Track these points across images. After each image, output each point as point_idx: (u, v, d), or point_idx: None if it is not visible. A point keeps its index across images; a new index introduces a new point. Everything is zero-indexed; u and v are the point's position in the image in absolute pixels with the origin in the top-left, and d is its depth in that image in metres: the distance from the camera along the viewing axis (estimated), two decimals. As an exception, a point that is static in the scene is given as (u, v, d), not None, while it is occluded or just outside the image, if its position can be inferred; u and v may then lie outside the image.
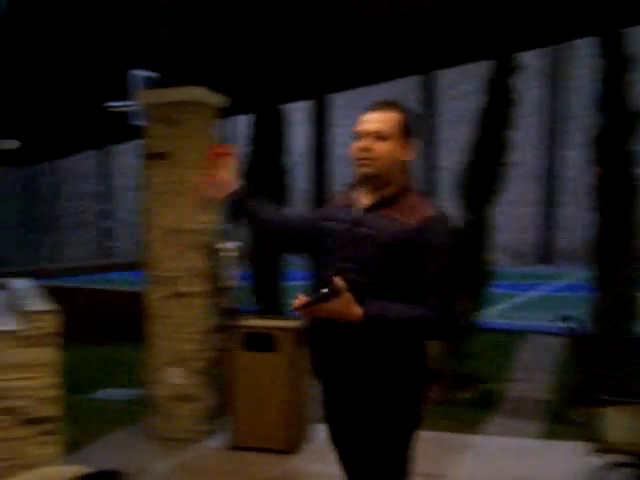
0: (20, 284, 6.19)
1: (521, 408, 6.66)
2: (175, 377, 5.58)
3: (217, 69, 6.06)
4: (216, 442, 5.55)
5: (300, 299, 2.42)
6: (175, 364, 5.58)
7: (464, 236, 6.87)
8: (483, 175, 6.82)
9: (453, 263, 2.53)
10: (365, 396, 2.57)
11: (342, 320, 2.44)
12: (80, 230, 22.81)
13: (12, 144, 17.15)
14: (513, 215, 23.89)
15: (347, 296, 2.39)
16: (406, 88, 23.78)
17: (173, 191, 5.53)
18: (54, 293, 5.68)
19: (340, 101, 14.42)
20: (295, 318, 5.27)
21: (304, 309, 2.42)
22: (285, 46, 6.89)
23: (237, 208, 2.85)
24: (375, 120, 2.58)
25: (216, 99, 5.70)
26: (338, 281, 2.38)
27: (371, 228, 2.53)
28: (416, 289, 2.48)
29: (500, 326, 10.93)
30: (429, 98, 23.26)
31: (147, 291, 5.72)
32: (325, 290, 2.38)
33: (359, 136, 2.60)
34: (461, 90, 24.79)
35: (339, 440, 2.79)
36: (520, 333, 10.57)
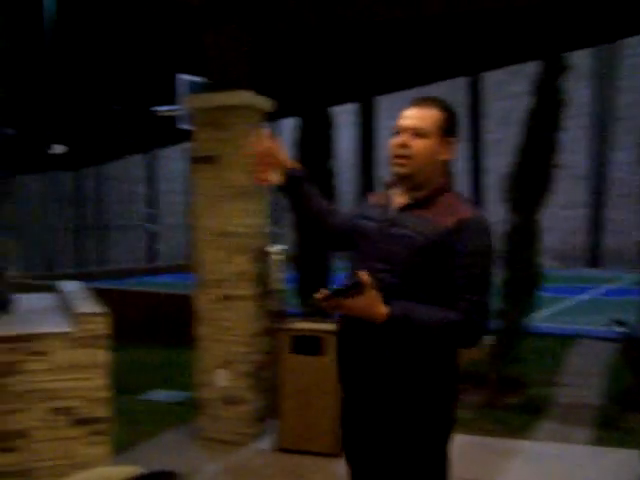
0: (70, 286, 6.29)
1: (570, 413, 6.56)
2: (222, 379, 5.61)
3: (263, 72, 6.09)
4: (263, 444, 5.57)
5: (323, 292, 2.33)
6: (223, 367, 5.61)
7: (511, 239, 6.79)
8: (531, 177, 6.72)
9: (488, 268, 2.44)
10: (394, 402, 2.47)
11: (366, 318, 2.36)
12: (128, 233, 23.11)
13: (59, 149, 17.45)
14: (561, 217, 23.61)
15: (373, 293, 2.32)
16: (452, 89, 23.65)
17: (220, 194, 5.57)
18: (103, 295, 5.77)
19: (385, 103, 14.39)
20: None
21: (326, 302, 2.33)
22: (332, 48, 6.89)
23: (289, 188, 2.75)
24: (414, 116, 2.50)
25: (263, 103, 5.72)
26: (363, 275, 2.31)
27: (405, 228, 2.46)
28: (447, 292, 2.39)
29: (548, 330, 10.79)
30: (476, 99, 23.05)
31: (195, 294, 5.76)
32: (348, 283, 2.33)
33: (397, 132, 2.52)
34: (509, 91, 24.57)
35: (360, 450, 2.64)
36: (569, 337, 10.41)
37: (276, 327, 5.50)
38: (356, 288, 2.31)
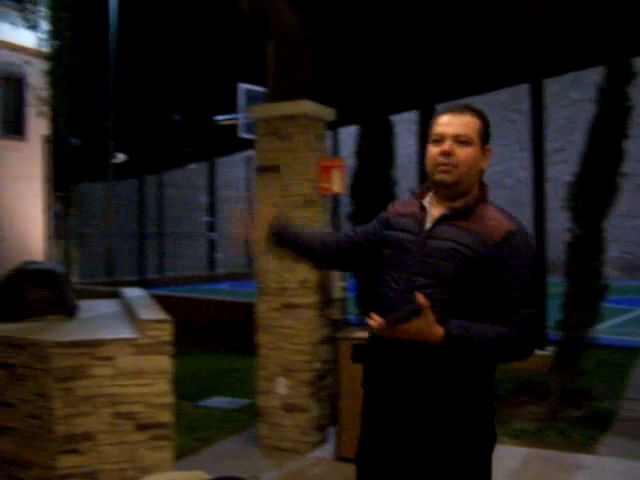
0: (133, 293, 6.40)
1: (636, 428, 6.39)
2: (283, 387, 5.63)
3: (324, 81, 6.11)
4: (323, 453, 5.57)
5: (375, 319, 2.26)
6: (284, 374, 5.63)
7: (575, 249, 6.66)
8: (596, 186, 6.58)
9: (535, 280, 2.39)
10: (436, 419, 2.38)
11: (421, 341, 2.28)
12: (188, 241, 23.39)
13: (120, 157, 17.81)
14: (625, 227, 23.08)
15: (429, 315, 2.24)
16: (511, 96, 23.41)
17: (283, 204, 5.60)
18: (164, 302, 5.85)
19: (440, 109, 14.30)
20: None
21: (385, 331, 2.26)
22: (394, 55, 6.88)
23: (278, 241, 2.76)
24: (457, 124, 2.42)
25: (325, 112, 5.75)
26: (420, 298, 2.23)
27: (450, 241, 2.36)
28: (495, 306, 2.34)
29: (613, 342, 10.54)
30: (540, 106, 22.76)
31: (257, 302, 5.80)
32: (407, 309, 2.24)
33: (438, 139, 2.43)
34: (569, 98, 24.18)
35: (389, 465, 2.51)
36: (634, 350, 10.16)
37: (337, 336, 5.50)
38: (416, 314, 2.24)
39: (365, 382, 2.61)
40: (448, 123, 2.42)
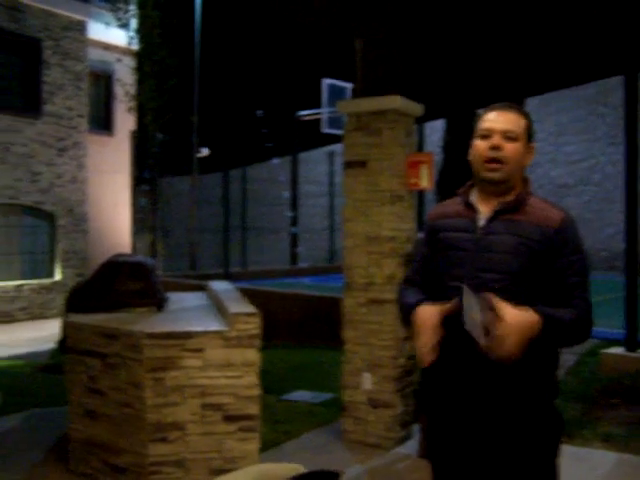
0: (220, 286, 6.49)
1: None
2: (368, 382, 5.62)
3: (412, 75, 6.06)
4: (407, 449, 5.55)
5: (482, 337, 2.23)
6: (369, 370, 5.63)
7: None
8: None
9: (588, 265, 2.47)
10: (507, 413, 2.41)
11: (524, 333, 2.22)
12: (271, 235, 23.61)
13: (204, 152, 18.10)
14: None
15: (511, 308, 2.23)
16: (599, 90, 22.78)
17: (371, 199, 5.59)
18: (249, 296, 5.91)
19: (529, 104, 14.01)
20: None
21: (492, 349, 2.21)
22: (482, 49, 6.77)
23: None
24: (504, 120, 2.48)
25: (413, 107, 5.71)
26: (488, 296, 2.23)
27: (512, 235, 2.41)
28: (555, 293, 2.39)
29: None
30: (634, 99, 22.03)
31: (344, 297, 5.80)
32: (481, 312, 2.21)
33: (486, 135, 2.48)
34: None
35: (461, 461, 2.54)
36: None
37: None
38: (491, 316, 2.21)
39: (429, 379, 2.62)
40: (496, 119, 2.49)
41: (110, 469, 4.77)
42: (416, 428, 5.67)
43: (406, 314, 2.58)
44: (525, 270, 2.38)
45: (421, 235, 2.75)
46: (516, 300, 2.32)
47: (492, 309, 2.21)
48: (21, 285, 14.51)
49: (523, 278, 2.38)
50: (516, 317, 2.21)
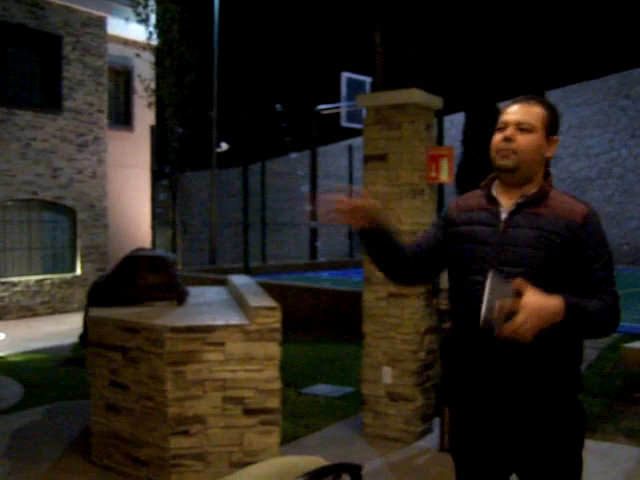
0: (240, 280, 6.50)
1: None
2: (388, 376, 5.62)
3: (432, 69, 6.04)
4: (427, 443, 5.54)
5: (494, 319, 2.22)
6: (389, 364, 5.62)
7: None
8: None
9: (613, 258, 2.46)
10: (530, 406, 2.40)
11: (544, 318, 2.19)
12: (290, 229, 23.63)
13: (223, 147, 18.14)
14: None
15: (532, 288, 2.21)
16: (621, 82, 22.58)
17: (390, 193, 5.57)
18: (269, 290, 5.92)
19: (550, 96, 13.91)
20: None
21: (511, 332, 2.19)
22: (503, 42, 6.74)
23: (370, 237, 2.62)
24: (518, 112, 2.48)
25: (433, 100, 5.68)
26: (517, 280, 2.22)
27: (535, 229, 2.40)
28: (581, 286, 2.38)
29: None
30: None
31: (364, 290, 5.80)
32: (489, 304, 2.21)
33: (502, 127, 2.50)
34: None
35: (484, 454, 2.54)
36: None
37: (443, 326, 5.45)
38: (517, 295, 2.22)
39: (451, 373, 2.61)
40: (512, 111, 2.49)
41: (132, 462, 4.81)
42: (436, 422, 5.67)
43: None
44: (548, 264, 2.36)
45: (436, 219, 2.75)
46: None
47: (518, 294, 2.21)
48: (42, 280, 14.63)
49: (546, 272, 2.36)
50: (538, 301, 2.19)
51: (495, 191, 2.56)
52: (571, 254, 2.38)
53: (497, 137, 2.50)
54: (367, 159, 5.73)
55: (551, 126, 2.51)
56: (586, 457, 2.53)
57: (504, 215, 2.48)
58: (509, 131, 2.45)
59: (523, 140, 2.44)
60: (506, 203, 2.50)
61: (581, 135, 24.55)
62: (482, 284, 2.33)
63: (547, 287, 2.32)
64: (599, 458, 5.14)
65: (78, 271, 15.37)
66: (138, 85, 16.79)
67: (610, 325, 2.38)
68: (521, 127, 2.45)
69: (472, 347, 2.44)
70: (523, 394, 2.39)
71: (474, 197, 2.63)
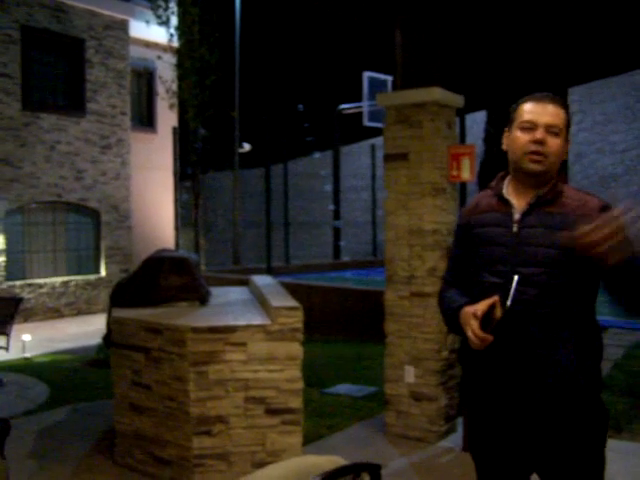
0: (262, 280, 6.51)
1: None
2: (411, 376, 5.60)
3: (453, 67, 6.01)
4: (451, 443, 5.51)
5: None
6: (412, 363, 5.60)
7: None
8: None
9: None
10: (552, 403, 2.38)
11: (618, 235, 2.08)
12: (313, 229, 23.64)
13: (246, 147, 18.18)
14: None
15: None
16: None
17: (412, 192, 5.55)
18: (291, 290, 5.92)
19: (574, 92, 13.77)
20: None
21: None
22: (524, 39, 6.70)
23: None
24: (549, 113, 2.40)
25: (454, 99, 5.65)
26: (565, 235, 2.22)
27: (551, 228, 2.36)
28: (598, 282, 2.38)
29: None
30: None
31: (386, 290, 5.78)
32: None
33: (529, 127, 2.41)
34: None
35: (506, 453, 2.52)
36: None
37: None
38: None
39: (470, 373, 2.60)
40: (540, 112, 2.41)
41: (155, 461, 4.83)
42: (460, 421, 5.64)
43: (450, 318, 2.56)
44: (564, 263, 2.33)
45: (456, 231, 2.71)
46: (557, 293, 2.32)
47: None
48: (67, 281, 14.75)
49: (562, 271, 2.34)
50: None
51: (506, 191, 2.52)
52: None
53: (524, 137, 2.42)
54: (388, 158, 5.71)
55: (569, 126, 2.48)
56: (611, 457, 2.51)
57: (517, 216, 2.44)
58: (540, 134, 2.38)
59: (554, 144, 2.40)
60: (519, 204, 2.46)
61: (606, 131, 24.30)
62: (498, 286, 2.33)
63: (563, 286, 2.32)
64: (624, 458, 5.08)
65: (102, 272, 15.48)
66: (160, 87, 16.87)
67: None
68: (551, 130, 2.39)
69: (489, 348, 2.39)
70: (543, 393, 2.37)
71: (486, 198, 2.59)
